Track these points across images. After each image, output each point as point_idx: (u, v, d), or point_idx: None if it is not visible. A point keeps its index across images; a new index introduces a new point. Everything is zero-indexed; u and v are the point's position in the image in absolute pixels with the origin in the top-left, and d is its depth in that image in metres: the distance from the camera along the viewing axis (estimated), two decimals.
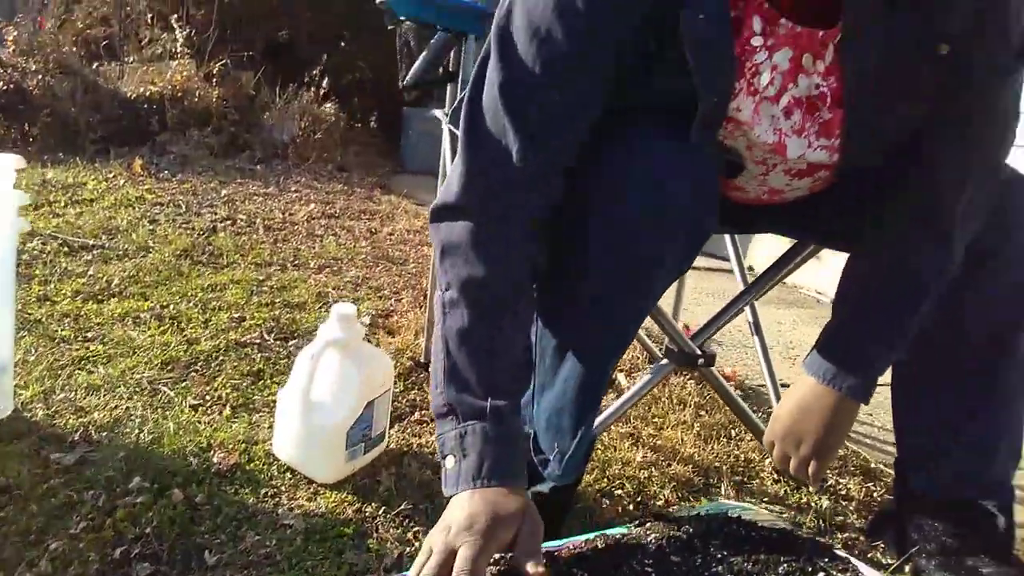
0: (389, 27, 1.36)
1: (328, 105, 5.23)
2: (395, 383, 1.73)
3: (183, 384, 1.65)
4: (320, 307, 2.19)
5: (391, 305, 2.29)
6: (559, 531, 1.11)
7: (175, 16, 5.47)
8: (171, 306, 2.08)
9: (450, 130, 1.49)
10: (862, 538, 1.26)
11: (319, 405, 1.33)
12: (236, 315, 2.06)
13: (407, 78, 1.29)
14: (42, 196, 3.25)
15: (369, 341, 1.96)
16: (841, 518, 1.33)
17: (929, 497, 1.11)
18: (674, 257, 0.94)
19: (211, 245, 2.73)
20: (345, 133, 5.49)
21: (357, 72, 6.31)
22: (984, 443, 1.07)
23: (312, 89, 5.51)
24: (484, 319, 0.93)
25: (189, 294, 2.19)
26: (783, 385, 1.95)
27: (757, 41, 0.88)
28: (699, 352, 1.30)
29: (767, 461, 1.51)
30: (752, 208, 1.13)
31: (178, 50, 5.25)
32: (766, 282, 1.33)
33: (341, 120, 5.24)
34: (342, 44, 6.20)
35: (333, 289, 2.37)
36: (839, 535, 1.27)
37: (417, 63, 1.29)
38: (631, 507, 1.31)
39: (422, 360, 1.85)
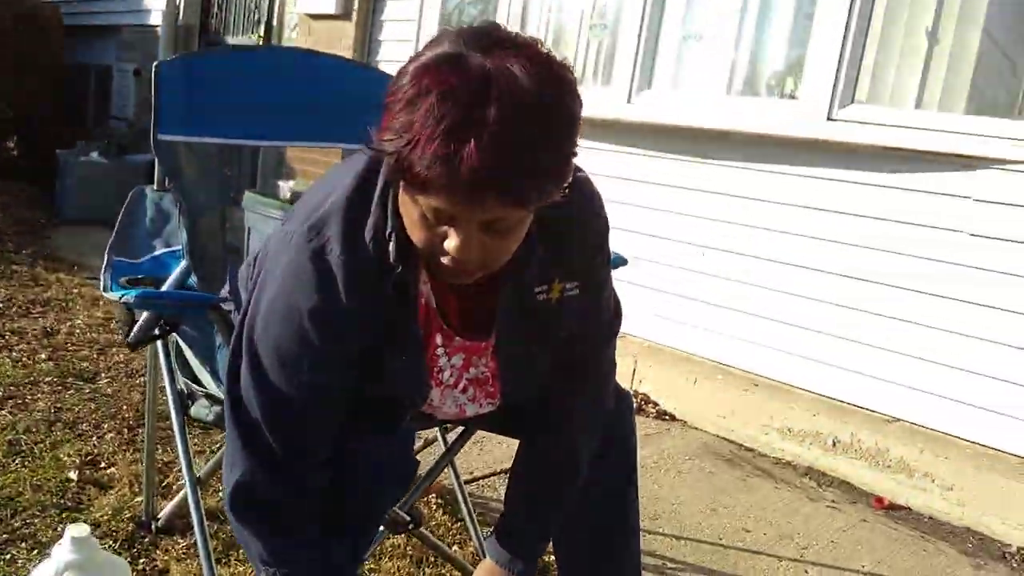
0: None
1: None
2: (120, 551, 1.80)
3: None
4: (16, 464, 2.11)
5: (94, 446, 2.27)
6: None
7: None
8: None
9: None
10: None
11: None
12: None
13: (131, 337, 1.41)
14: None
15: (81, 504, 1.97)
16: None
17: None
18: (392, 500, 1.35)
19: None
20: None
21: None
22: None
23: None
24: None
25: None
26: (468, 482, 2.33)
27: (440, 351, 1.20)
28: (408, 517, 1.59)
29: None
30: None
31: None
32: (458, 448, 1.67)
33: None
34: None
35: (24, 434, 2.27)
36: None
37: (139, 324, 1.40)
38: None
39: (143, 519, 1.92)
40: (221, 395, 1.53)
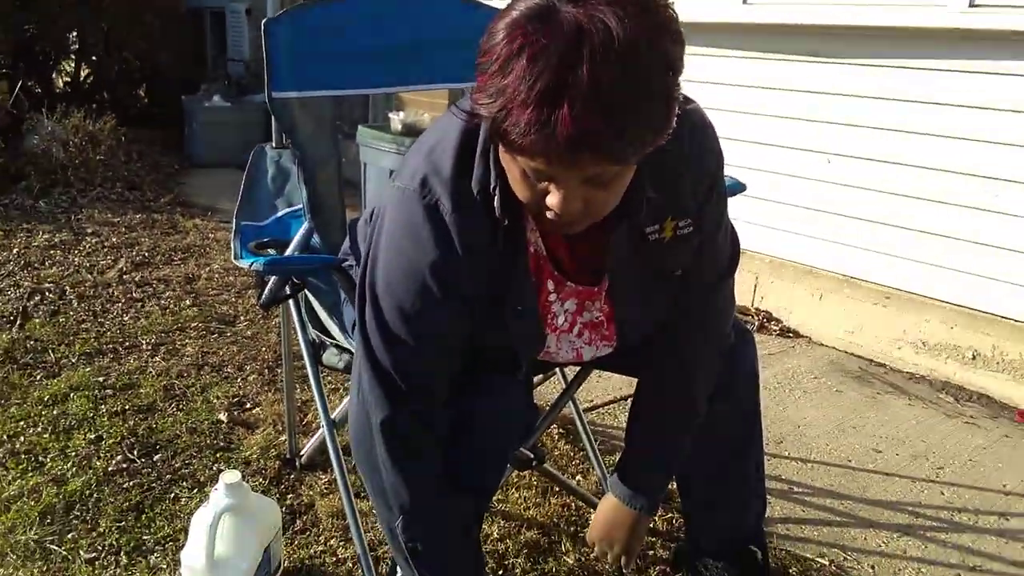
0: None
1: (104, 120, 4.92)
2: (269, 487, 1.96)
3: (69, 536, 1.77)
4: (172, 407, 2.31)
5: (239, 387, 2.45)
6: None
7: None
8: (21, 436, 2.13)
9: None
10: (668, 569, 1.71)
11: (222, 563, 1.54)
12: (91, 435, 2.15)
13: (263, 300, 1.49)
14: None
15: (231, 444, 2.14)
16: (652, 552, 1.77)
17: (708, 545, 1.57)
18: (515, 445, 1.38)
19: (31, 338, 2.71)
20: (125, 134, 5.21)
21: (122, 64, 5.92)
22: (738, 507, 1.53)
23: (77, 97, 5.17)
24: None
25: (33, 414, 2.23)
26: (587, 410, 2.36)
27: (552, 297, 1.21)
28: (531, 455, 1.64)
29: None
30: None
31: None
32: (577, 386, 1.70)
33: (121, 135, 4.98)
34: (100, 33, 5.75)
35: (177, 379, 2.48)
36: (652, 571, 1.71)
37: (269, 287, 1.48)
38: None
39: (288, 456, 2.07)
40: (347, 345, 1.61)
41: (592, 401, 2.45)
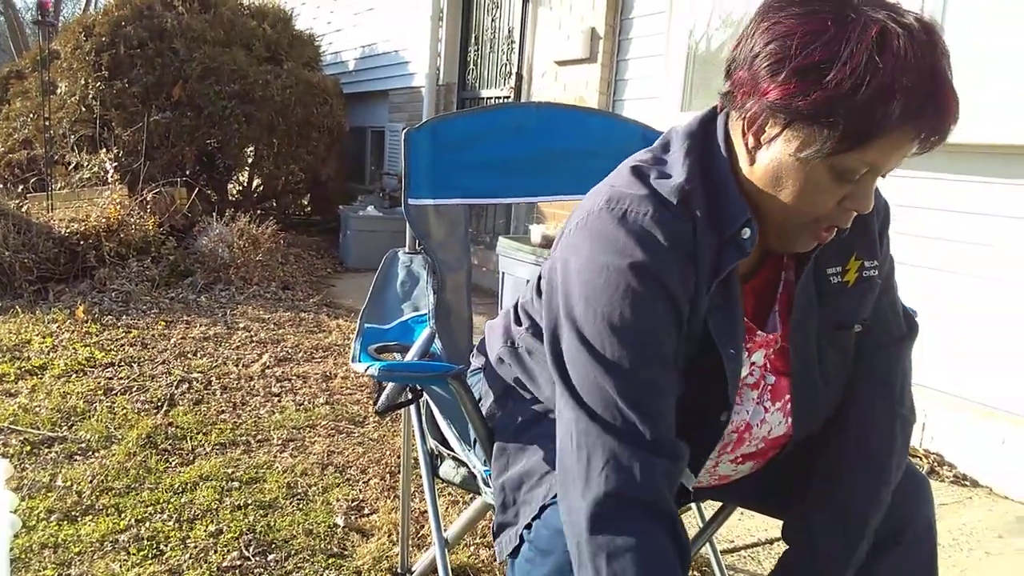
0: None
1: (267, 225, 5.27)
2: None
3: None
4: (292, 506, 2.27)
5: (360, 491, 2.39)
6: None
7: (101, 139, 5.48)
8: (147, 523, 2.14)
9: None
10: None
11: None
12: (212, 527, 2.13)
13: (378, 406, 1.45)
14: None
15: (345, 551, 2.06)
16: None
17: None
18: None
19: (173, 425, 2.78)
20: (285, 238, 5.55)
21: (289, 176, 6.40)
22: None
23: (246, 203, 5.58)
24: None
25: (162, 501, 2.25)
26: (726, 552, 2.12)
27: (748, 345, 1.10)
28: None
29: None
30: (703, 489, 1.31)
31: (108, 176, 5.24)
32: (718, 524, 1.51)
33: (281, 239, 5.30)
34: (272, 148, 6.26)
35: (301, 476, 2.45)
36: None
37: (386, 392, 1.44)
38: None
39: (399, 571, 1.96)
40: (464, 458, 1.51)
41: (733, 542, 2.20)
